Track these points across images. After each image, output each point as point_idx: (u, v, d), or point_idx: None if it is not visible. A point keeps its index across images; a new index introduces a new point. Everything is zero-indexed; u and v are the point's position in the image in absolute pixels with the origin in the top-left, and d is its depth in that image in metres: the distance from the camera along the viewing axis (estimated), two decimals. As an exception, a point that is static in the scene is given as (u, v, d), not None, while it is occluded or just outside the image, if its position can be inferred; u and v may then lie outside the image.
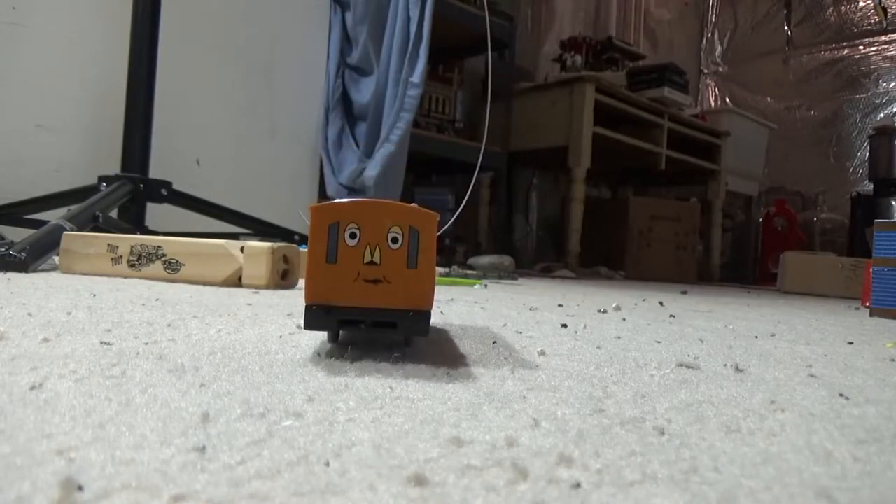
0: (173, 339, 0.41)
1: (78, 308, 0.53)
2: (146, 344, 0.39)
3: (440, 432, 0.25)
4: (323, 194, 1.96)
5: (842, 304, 1.62)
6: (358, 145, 1.95)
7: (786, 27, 3.97)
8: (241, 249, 0.86)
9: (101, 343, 0.38)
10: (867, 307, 1.52)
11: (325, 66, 1.96)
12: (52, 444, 0.20)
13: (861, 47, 3.67)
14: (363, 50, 1.93)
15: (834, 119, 3.71)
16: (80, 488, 0.16)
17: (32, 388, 0.27)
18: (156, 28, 1.31)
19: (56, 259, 0.94)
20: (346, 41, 1.99)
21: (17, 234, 1.26)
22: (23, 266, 0.87)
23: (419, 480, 0.19)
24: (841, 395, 0.38)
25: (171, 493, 0.17)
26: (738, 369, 0.44)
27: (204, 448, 0.21)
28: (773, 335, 0.70)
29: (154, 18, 1.31)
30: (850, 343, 0.68)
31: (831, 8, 3.79)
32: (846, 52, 3.72)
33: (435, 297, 0.94)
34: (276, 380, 0.32)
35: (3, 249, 0.90)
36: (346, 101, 2.00)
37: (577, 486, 0.20)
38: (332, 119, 1.97)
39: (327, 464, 0.20)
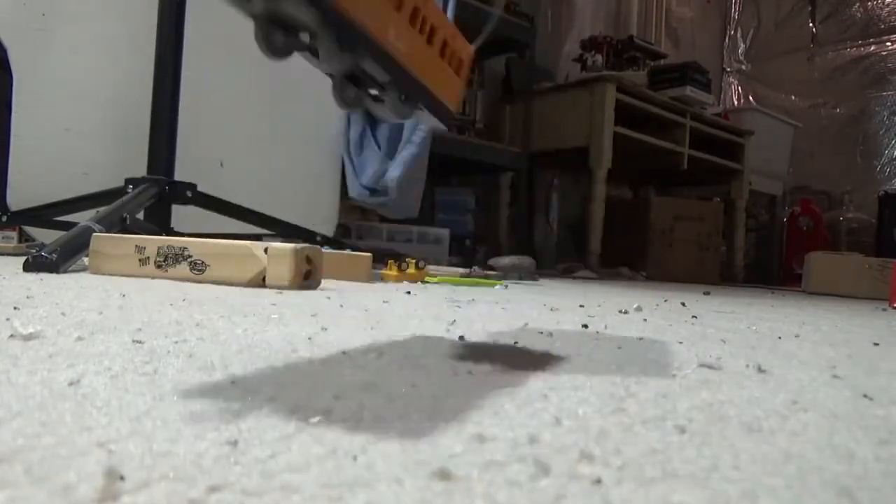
0: (202, 338, 0.42)
1: (109, 308, 0.54)
2: (176, 343, 0.40)
3: (463, 429, 0.25)
4: (345, 195, 1.98)
5: (869, 305, 1.60)
6: (379, 147, 1.96)
7: (810, 24, 3.91)
8: (265, 250, 0.87)
9: (133, 341, 0.39)
10: (895, 308, 1.49)
11: (346, 68, 1.97)
12: (92, 436, 0.21)
13: (889, 43, 3.61)
14: (384, 52, 1.94)
15: (861, 117, 3.65)
16: (122, 478, 0.17)
17: (70, 383, 0.28)
18: (180, 34, 1.34)
19: (85, 260, 0.96)
20: (368, 43, 2.00)
21: (48, 236, 1.29)
22: (54, 267, 0.89)
23: (444, 475, 0.20)
24: (865, 395, 0.37)
25: (206, 484, 0.18)
26: (760, 370, 0.44)
27: (236, 442, 0.22)
28: (797, 336, 0.70)
29: (179, 24, 1.33)
30: (876, 344, 0.67)
31: (857, 4, 3.73)
32: (873, 48, 3.66)
33: (456, 298, 0.94)
34: (302, 378, 0.33)
35: (35, 251, 0.92)
36: (367, 103, 2.01)
37: (599, 481, 0.20)
38: (353, 121, 1.98)
39: (355, 458, 0.21)
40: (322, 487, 0.18)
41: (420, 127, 1.84)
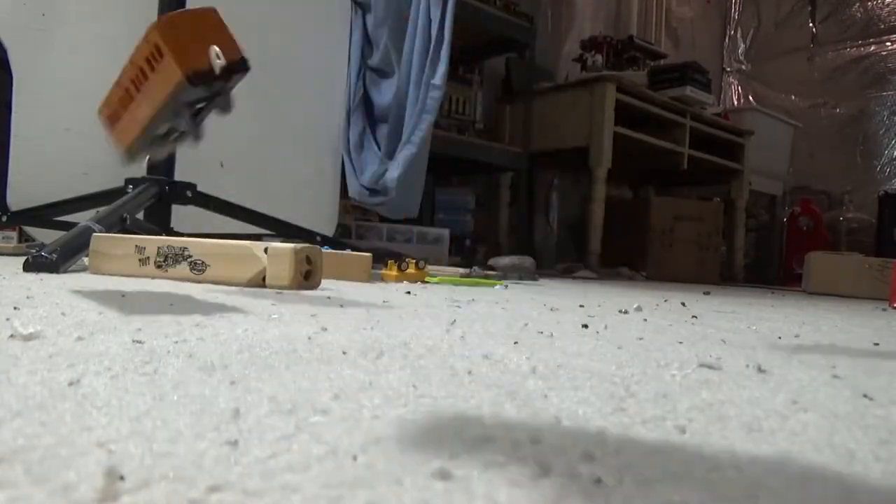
0: (202, 338, 0.42)
1: (109, 308, 0.54)
2: (176, 342, 0.40)
3: (464, 429, 0.25)
4: (345, 195, 1.98)
5: (869, 305, 1.60)
6: (379, 147, 1.96)
7: (810, 24, 3.91)
8: (265, 250, 0.87)
9: (133, 341, 0.39)
10: (895, 308, 1.49)
11: (346, 68, 1.97)
12: (92, 436, 0.21)
13: (889, 43, 3.60)
14: (384, 52, 1.94)
15: (861, 117, 3.65)
16: (122, 478, 0.17)
17: (70, 383, 0.28)
18: (181, 33, 1.33)
19: (85, 260, 0.96)
20: (368, 43, 2.00)
21: (48, 236, 1.29)
22: (54, 267, 0.89)
23: (444, 475, 0.20)
24: (865, 395, 0.37)
25: (206, 484, 0.18)
26: (760, 370, 0.44)
27: (236, 442, 0.22)
28: (797, 336, 0.70)
29: (179, 23, 1.33)
30: (876, 344, 0.67)
31: (857, 4, 3.72)
32: (873, 48, 3.65)
33: (456, 298, 0.94)
34: (301, 378, 0.33)
35: (35, 251, 0.92)
36: (367, 102, 2.01)
37: (599, 481, 0.20)
38: (353, 121, 1.98)
39: (355, 458, 0.21)
40: (322, 487, 0.18)
41: (419, 127, 1.84)
